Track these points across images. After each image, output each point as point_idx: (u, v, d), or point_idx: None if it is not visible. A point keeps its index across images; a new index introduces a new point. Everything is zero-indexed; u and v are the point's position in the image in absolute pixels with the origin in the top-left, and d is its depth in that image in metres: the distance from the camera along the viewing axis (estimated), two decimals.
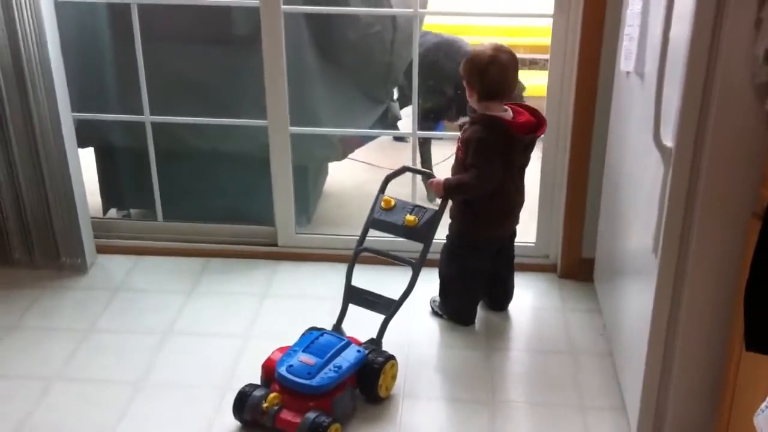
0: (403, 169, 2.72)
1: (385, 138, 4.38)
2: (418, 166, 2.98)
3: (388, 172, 2.71)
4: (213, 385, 2.49)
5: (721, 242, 1.95)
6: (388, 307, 2.53)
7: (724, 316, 2.00)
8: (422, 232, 2.56)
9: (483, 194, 2.60)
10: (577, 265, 3.08)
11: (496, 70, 2.52)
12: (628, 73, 2.42)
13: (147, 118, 3.19)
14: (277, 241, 3.25)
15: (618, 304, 2.55)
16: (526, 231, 3.12)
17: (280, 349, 2.41)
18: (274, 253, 3.24)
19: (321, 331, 2.47)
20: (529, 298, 3.01)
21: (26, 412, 2.38)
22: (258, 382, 2.39)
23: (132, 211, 3.64)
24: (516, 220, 2.78)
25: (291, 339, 2.50)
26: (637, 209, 2.29)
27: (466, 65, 2.58)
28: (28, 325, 2.79)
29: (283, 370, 2.29)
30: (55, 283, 3.04)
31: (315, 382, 2.26)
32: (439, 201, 2.68)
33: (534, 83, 3.99)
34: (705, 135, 1.88)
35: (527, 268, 3.13)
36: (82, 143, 3.34)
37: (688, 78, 1.84)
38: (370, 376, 2.38)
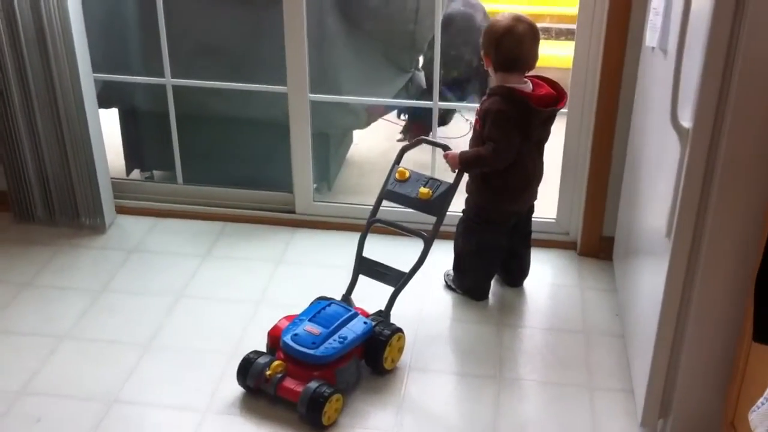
0: (420, 141, 2.67)
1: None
2: (438, 139, 2.91)
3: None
4: (220, 350, 2.50)
5: (737, 228, 1.88)
6: (398, 280, 2.51)
7: (736, 303, 1.94)
8: (436, 205, 2.52)
9: (500, 168, 2.55)
10: (597, 243, 3.02)
11: (511, 41, 2.45)
12: (652, 48, 2.34)
13: (168, 80, 3.18)
14: (294, 208, 3.24)
15: (632, 285, 2.49)
16: (547, 207, 3.07)
17: (287, 318, 2.40)
18: (291, 220, 3.23)
19: (329, 301, 2.45)
20: (546, 275, 2.96)
21: (33, 369, 2.41)
22: (264, 349, 2.39)
23: (155, 173, 3.66)
24: (534, 196, 2.72)
25: (302, 307, 2.49)
26: (655, 190, 2.22)
27: (483, 35, 2.52)
28: (42, 283, 2.82)
29: (288, 339, 2.29)
30: (73, 242, 3.06)
31: (319, 351, 2.25)
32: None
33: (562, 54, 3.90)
34: (724, 116, 1.80)
35: (547, 244, 3.08)
36: (106, 104, 3.37)
37: (708, 54, 1.76)
38: (376, 349, 2.37)
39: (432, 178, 2.58)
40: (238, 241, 3.12)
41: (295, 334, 2.30)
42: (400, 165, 2.63)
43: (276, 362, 2.27)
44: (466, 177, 2.64)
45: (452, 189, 2.54)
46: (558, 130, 2.98)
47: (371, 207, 2.66)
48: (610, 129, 2.84)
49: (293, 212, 3.24)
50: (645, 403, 2.15)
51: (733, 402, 1.96)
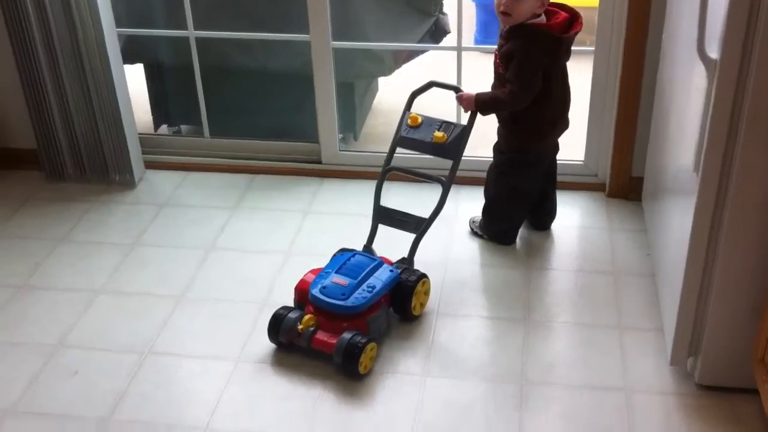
0: (430, 84, 2.59)
1: (434, 52, 4.25)
2: (453, 82, 2.84)
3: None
4: (251, 300, 2.53)
5: (766, 162, 1.84)
6: (418, 226, 2.50)
7: (765, 239, 1.91)
8: (451, 148, 2.50)
9: (519, 109, 2.52)
10: (626, 185, 2.98)
11: None
12: None
13: (191, 33, 3.17)
14: (321, 158, 3.24)
15: (661, 224, 2.46)
16: (575, 149, 3.03)
17: (313, 271, 2.41)
18: (318, 170, 3.23)
19: (352, 252, 2.45)
20: (575, 218, 2.94)
21: (70, 323, 2.47)
22: (291, 304, 2.40)
23: (182, 127, 3.67)
24: (567, 123, 2.67)
25: (331, 256, 2.51)
26: (683, 126, 2.18)
27: None
28: (76, 239, 2.87)
29: (316, 292, 2.30)
30: (104, 198, 3.11)
31: (350, 302, 2.26)
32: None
33: None
34: (753, 47, 1.75)
35: (575, 186, 3.05)
36: (131, 59, 3.38)
37: None
38: (404, 296, 2.38)
39: (445, 122, 2.55)
40: (266, 192, 3.14)
41: (324, 287, 2.30)
42: (411, 110, 2.59)
43: (307, 316, 2.28)
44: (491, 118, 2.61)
45: (467, 131, 2.51)
46: (585, 69, 2.94)
47: (398, 156, 2.64)
48: (638, 67, 2.78)
49: (319, 162, 3.24)
50: (674, 342, 2.14)
51: (763, 338, 1.94)
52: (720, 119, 1.84)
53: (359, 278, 2.32)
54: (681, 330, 2.11)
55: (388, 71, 3.52)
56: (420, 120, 2.55)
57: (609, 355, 2.29)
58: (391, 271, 2.37)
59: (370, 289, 2.30)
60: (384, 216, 2.57)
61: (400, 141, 2.58)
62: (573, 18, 2.49)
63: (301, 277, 2.42)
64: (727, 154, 1.87)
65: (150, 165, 3.27)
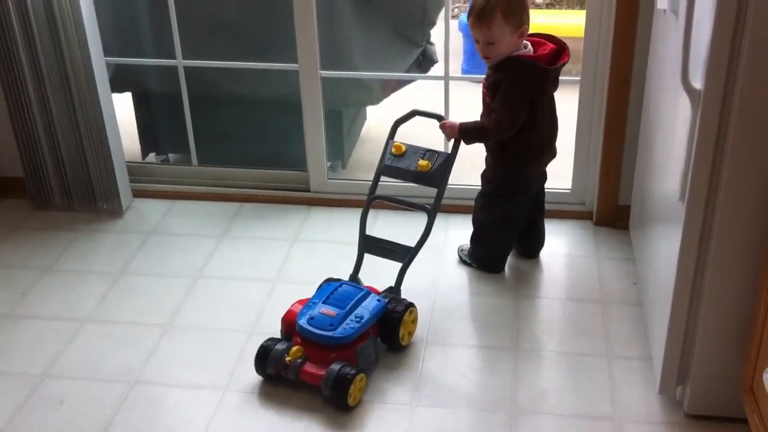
0: (413, 113, 2.58)
1: (422, 81, 4.29)
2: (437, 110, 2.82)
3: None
4: (239, 329, 2.52)
5: (751, 190, 1.86)
6: (404, 255, 2.49)
7: (752, 267, 1.92)
8: (436, 176, 2.49)
9: (501, 139, 2.54)
10: (613, 213, 3.00)
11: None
12: (664, 11, 2.30)
13: (179, 62, 3.18)
14: (309, 186, 3.24)
15: (648, 253, 2.48)
16: (562, 178, 3.05)
17: (300, 302, 2.39)
18: (306, 198, 3.23)
19: (339, 281, 2.44)
20: (562, 246, 2.95)
21: (56, 352, 2.45)
22: (279, 333, 2.38)
23: (170, 155, 3.67)
24: (554, 152, 2.68)
25: (319, 284, 2.50)
26: (669, 154, 2.20)
27: (519, 7, 2.43)
28: (63, 268, 2.86)
29: (304, 323, 2.27)
30: (91, 227, 3.09)
31: (338, 333, 2.23)
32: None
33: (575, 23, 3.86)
34: (736, 77, 1.77)
35: (562, 215, 3.06)
36: (119, 88, 3.38)
37: (718, 14, 1.73)
38: (391, 326, 2.36)
39: (429, 150, 2.53)
40: (254, 220, 3.14)
41: (311, 318, 2.28)
42: (395, 139, 2.58)
43: (295, 347, 2.25)
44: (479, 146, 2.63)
45: (451, 159, 2.51)
46: (571, 98, 2.97)
47: (387, 184, 2.64)
48: (623, 96, 2.81)
49: (308, 190, 3.25)
50: (663, 370, 2.14)
51: (752, 367, 1.95)
52: (705, 149, 1.86)
53: (347, 308, 2.29)
54: (669, 358, 2.11)
55: (376, 100, 3.54)
56: (404, 148, 2.55)
57: (598, 384, 2.29)
58: (378, 300, 2.36)
59: (358, 319, 2.28)
60: (370, 245, 2.56)
61: (384, 170, 2.57)
62: (560, 49, 2.52)
63: (288, 307, 2.40)
64: (713, 183, 1.89)
65: (138, 193, 3.27)
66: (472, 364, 2.40)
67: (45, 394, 2.29)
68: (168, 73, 3.26)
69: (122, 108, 3.37)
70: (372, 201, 2.59)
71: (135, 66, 3.36)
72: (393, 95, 3.66)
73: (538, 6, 5.32)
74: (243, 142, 3.45)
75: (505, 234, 2.76)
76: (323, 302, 2.33)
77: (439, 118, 2.58)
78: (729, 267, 1.95)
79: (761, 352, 1.90)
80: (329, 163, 3.29)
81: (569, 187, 3.09)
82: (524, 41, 2.50)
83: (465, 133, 2.53)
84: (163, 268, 2.85)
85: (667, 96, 2.25)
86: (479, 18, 2.43)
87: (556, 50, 2.51)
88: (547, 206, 2.85)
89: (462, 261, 2.84)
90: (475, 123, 2.56)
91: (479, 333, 2.54)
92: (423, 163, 2.50)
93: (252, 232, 3.06)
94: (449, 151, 2.54)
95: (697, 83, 1.85)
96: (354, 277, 2.53)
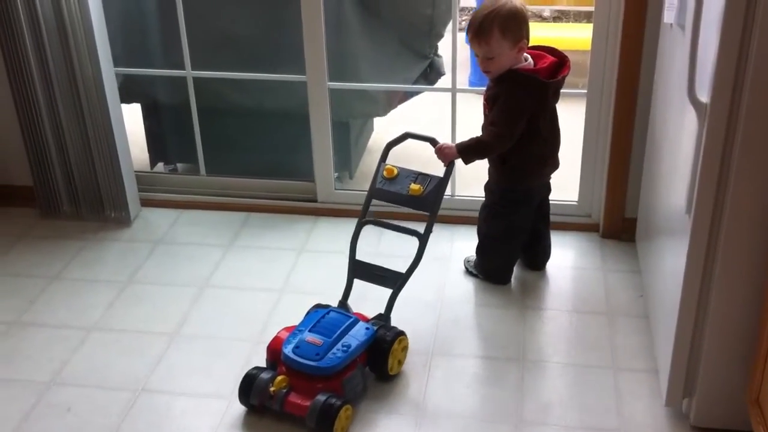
0: (405, 136, 2.52)
1: (429, 93, 4.30)
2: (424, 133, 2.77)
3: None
4: (246, 338, 2.53)
5: (758, 203, 1.86)
6: (395, 281, 2.42)
7: (759, 279, 1.92)
8: (428, 200, 2.43)
9: (501, 152, 2.55)
10: (619, 225, 3.00)
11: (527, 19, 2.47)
12: (671, 25, 2.32)
13: (188, 73, 3.20)
14: (316, 196, 3.26)
15: (655, 265, 2.48)
16: (569, 190, 3.06)
17: (287, 329, 2.32)
18: (313, 208, 3.24)
19: (327, 308, 2.38)
20: (568, 258, 2.95)
21: (63, 360, 2.46)
22: (264, 364, 2.32)
23: (178, 165, 3.69)
24: (556, 164, 2.69)
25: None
26: (675, 167, 2.20)
27: (518, 21, 2.44)
28: (70, 276, 2.87)
29: (289, 351, 2.19)
30: (99, 235, 3.11)
31: (323, 363, 2.15)
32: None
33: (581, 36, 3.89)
34: (742, 90, 1.78)
35: (569, 227, 3.07)
36: (128, 99, 3.40)
37: (724, 28, 1.74)
38: (380, 354, 2.29)
39: (421, 174, 2.47)
40: (261, 230, 3.15)
41: (297, 346, 2.20)
42: (387, 162, 2.54)
43: (279, 377, 2.17)
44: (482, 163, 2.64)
45: (443, 183, 2.45)
46: (578, 111, 2.98)
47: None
48: (630, 109, 2.82)
49: (315, 201, 3.26)
50: (669, 383, 2.14)
51: (758, 380, 1.95)
52: (711, 162, 1.87)
53: (334, 337, 2.21)
54: (675, 371, 2.11)
55: (383, 111, 3.56)
56: (396, 172, 2.48)
57: (604, 396, 2.29)
58: (367, 328, 2.28)
59: (345, 349, 2.19)
60: (360, 271, 2.48)
61: (375, 193, 2.51)
62: (561, 62, 2.52)
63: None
64: (719, 196, 1.89)
65: (146, 202, 3.28)
66: (478, 375, 2.40)
67: (52, 401, 2.30)
68: (177, 83, 3.28)
69: (131, 118, 3.39)
70: (363, 225, 2.52)
71: (144, 77, 3.39)
72: (400, 107, 3.68)
73: (545, 19, 5.34)
74: (251, 152, 3.47)
75: (509, 245, 2.76)
76: (309, 330, 2.25)
77: (432, 141, 2.52)
78: (735, 279, 1.95)
79: (766, 370, 1.90)
80: (336, 174, 3.30)
81: (576, 199, 3.09)
82: (525, 54, 2.51)
83: (463, 152, 2.52)
84: (170, 277, 2.86)
85: (673, 109, 2.26)
86: (477, 34, 2.45)
87: (557, 63, 2.52)
88: (553, 218, 2.85)
89: (468, 272, 2.84)
90: (471, 140, 2.54)
91: (485, 344, 2.55)
92: (415, 187, 2.44)
93: (259, 241, 3.07)
94: (441, 175, 2.48)
95: (704, 97, 1.86)
96: (343, 303, 2.46)
